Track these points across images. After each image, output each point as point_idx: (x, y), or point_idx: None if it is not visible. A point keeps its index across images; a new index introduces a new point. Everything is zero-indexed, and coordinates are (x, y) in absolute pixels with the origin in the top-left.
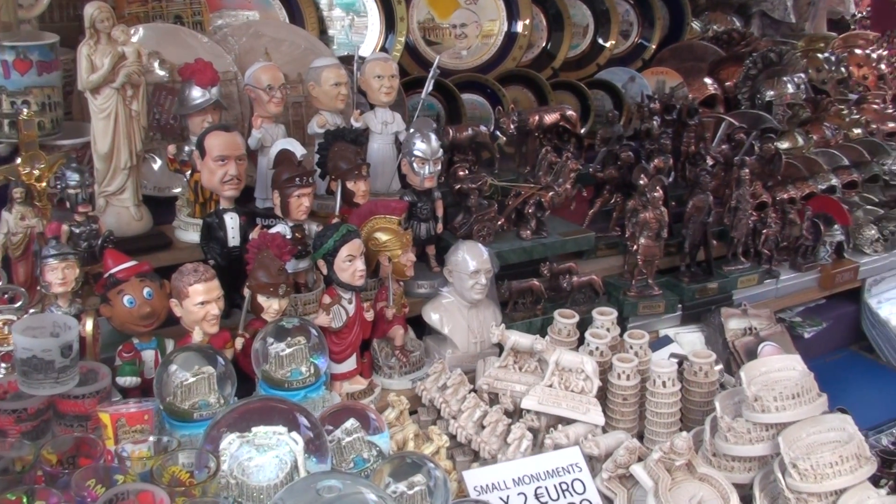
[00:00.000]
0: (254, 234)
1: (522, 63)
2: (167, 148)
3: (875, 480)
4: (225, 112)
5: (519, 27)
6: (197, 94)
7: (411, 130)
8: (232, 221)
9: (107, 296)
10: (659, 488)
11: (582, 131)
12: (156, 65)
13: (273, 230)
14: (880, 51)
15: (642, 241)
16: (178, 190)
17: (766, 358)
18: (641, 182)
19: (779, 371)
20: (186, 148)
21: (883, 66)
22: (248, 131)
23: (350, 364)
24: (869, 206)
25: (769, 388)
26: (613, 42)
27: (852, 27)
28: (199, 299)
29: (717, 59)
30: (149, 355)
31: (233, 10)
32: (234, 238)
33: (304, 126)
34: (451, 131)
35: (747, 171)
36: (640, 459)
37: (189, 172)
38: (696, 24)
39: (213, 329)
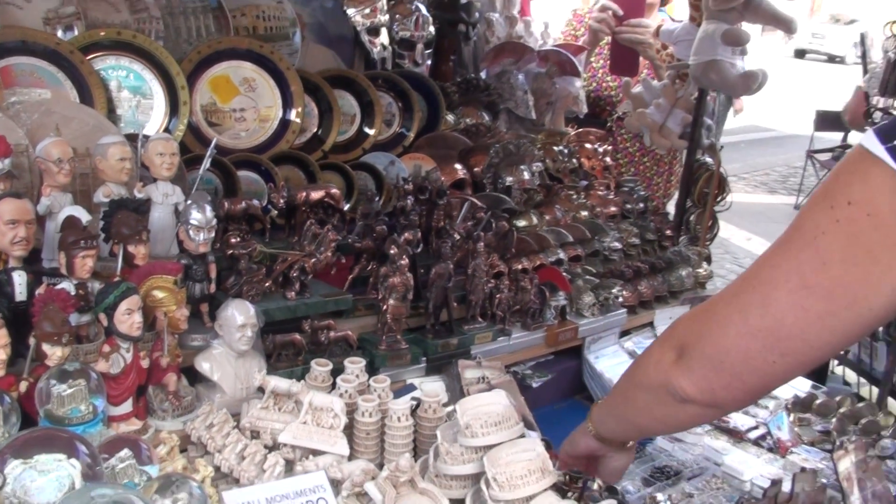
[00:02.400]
0: (41, 290)
1: (296, 146)
2: None
3: (563, 493)
4: (16, 180)
5: (292, 115)
6: None
7: (188, 202)
8: (20, 278)
9: None
10: (385, 500)
11: (346, 207)
12: None
13: (58, 287)
14: (606, 146)
15: (391, 302)
16: None
17: (477, 395)
18: (392, 251)
19: (487, 405)
20: None
21: (608, 160)
22: (38, 198)
23: (126, 407)
24: (588, 277)
25: (478, 417)
26: (377, 130)
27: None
28: None
29: (467, 148)
30: None
31: (26, 87)
32: (21, 293)
33: (91, 195)
34: (226, 204)
35: (482, 244)
36: (373, 479)
37: None
38: (450, 117)
39: (0, 373)
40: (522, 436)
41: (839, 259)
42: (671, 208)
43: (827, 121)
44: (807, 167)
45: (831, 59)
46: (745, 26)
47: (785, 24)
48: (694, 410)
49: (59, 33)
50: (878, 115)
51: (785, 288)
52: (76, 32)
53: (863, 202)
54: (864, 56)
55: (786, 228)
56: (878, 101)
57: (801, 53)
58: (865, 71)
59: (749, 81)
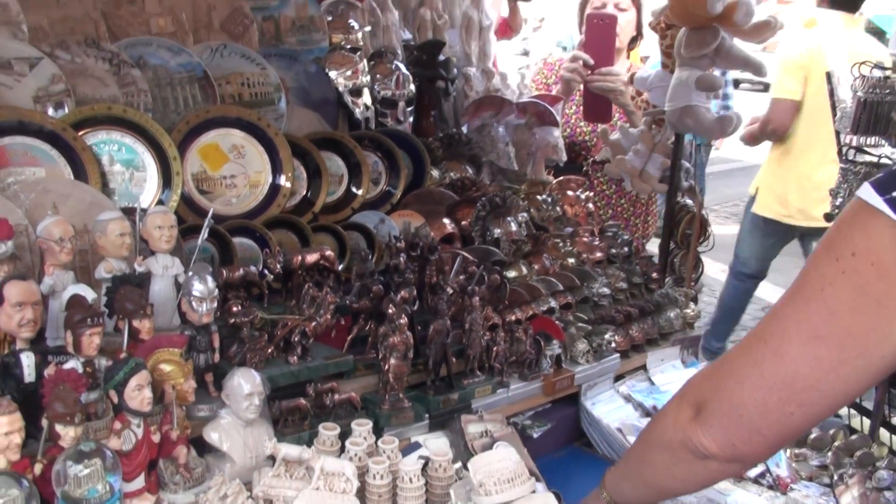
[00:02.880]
0: (49, 371)
1: (286, 209)
2: None
3: None
4: (18, 261)
5: (282, 180)
6: None
7: (190, 273)
8: (28, 360)
9: None
10: None
11: (340, 267)
12: None
13: (66, 366)
14: (587, 192)
15: (392, 361)
16: None
17: (488, 452)
18: (390, 311)
19: (498, 461)
20: None
21: (591, 206)
22: (40, 278)
23: (139, 482)
24: (580, 324)
25: (491, 475)
26: (365, 189)
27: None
28: (3, 430)
29: (454, 203)
30: None
31: (20, 167)
32: (29, 375)
33: (91, 271)
34: (224, 272)
35: (477, 298)
36: None
37: None
38: (435, 172)
39: (15, 457)
40: (534, 491)
41: (848, 309)
42: (651, 247)
43: None
44: None
45: (766, 87)
46: None
47: (755, 68)
48: (715, 466)
49: (50, 111)
50: (851, 153)
51: (797, 340)
52: (66, 109)
53: (866, 253)
54: (832, 94)
55: (792, 282)
56: (851, 139)
57: (735, 83)
58: (835, 110)
59: (724, 125)
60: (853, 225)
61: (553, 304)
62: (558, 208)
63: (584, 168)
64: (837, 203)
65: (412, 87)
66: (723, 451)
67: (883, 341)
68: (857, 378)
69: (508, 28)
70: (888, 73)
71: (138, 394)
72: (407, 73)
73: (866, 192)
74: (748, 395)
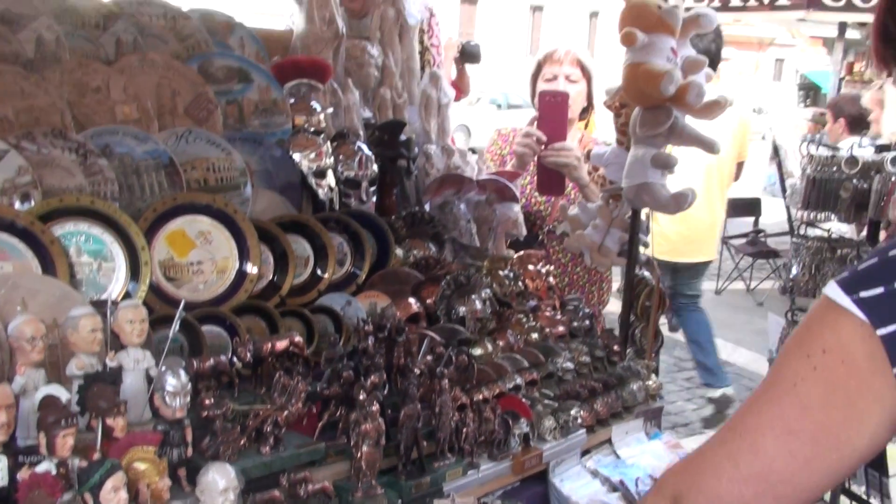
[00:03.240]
0: (23, 474)
1: (254, 293)
2: None
3: None
4: None
5: (248, 266)
6: None
7: (163, 368)
8: (0, 463)
9: None
10: None
11: (308, 351)
12: None
13: (40, 468)
14: (548, 266)
15: (365, 449)
16: None
17: None
18: (361, 398)
19: None
20: None
21: (551, 280)
22: (11, 376)
23: None
24: (547, 401)
25: None
26: (331, 272)
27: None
28: None
29: (419, 282)
30: None
31: None
32: (2, 479)
33: (61, 367)
34: (194, 363)
35: (447, 381)
36: None
37: None
38: (399, 251)
39: None
40: None
41: (820, 405)
42: (608, 310)
43: (738, 207)
44: (723, 253)
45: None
46: None
47: (707, 146)
48: None
49: (17, 203)
50: (803, 228)
51: (771, 434)
52: (33, 201)
53: (836, 350)
54: (779, 166)
55: (765, 378)
56: (802, 214)
57: None
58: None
59: (680, 201)
60: (823, 323)
61: (519, 381)
62: (520, 283)
63: (540, 237)
64: (791, 276)
65: (375, 167)
66: None
67: (854, 436)
68: (831, 471)
69: (458, 90)
70: (834, 151)
71: (114, 496)
72: (369, 153)
73: (833, 292)
74: (725, 489)
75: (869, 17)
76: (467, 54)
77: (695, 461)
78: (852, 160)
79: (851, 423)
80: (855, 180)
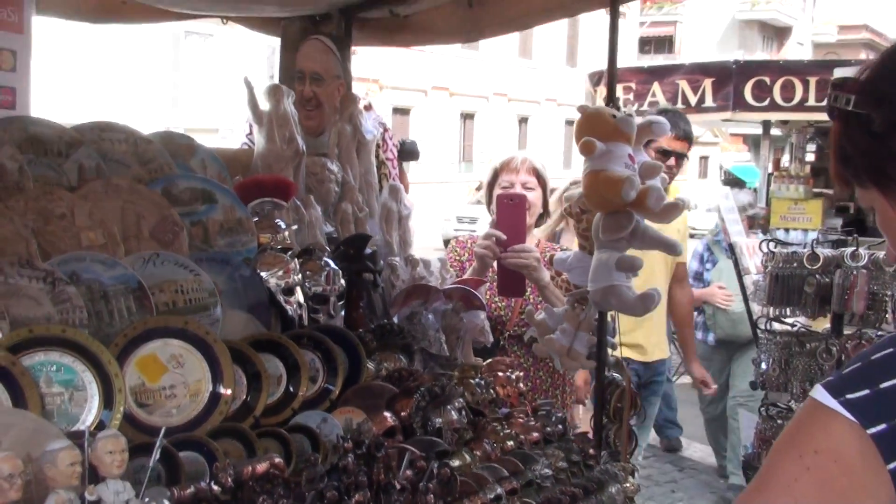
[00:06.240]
0: None
1: (228, 415)
2: None
3: None
4: None
5: (221, 388)
6: None
7: (146, 500)
8: None
9: None
10: None
11: (288, 473)
12: None
13: None
14: (518, 372)
15: None
16: None
17: None
18: None
19: None
20: None
21: (521, 386)
22: None
23: None
24: None
25: None
26: (304, 389)
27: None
28: None
29: (393, 395)
30: None
31: None
32: None
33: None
34: (175, 492)
35: (431, 496)
36: None
37: None
38: (370, 365)
39: None
40: None
41: (814, 503)
42: (574, 417)
43: None
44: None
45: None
46: None
47: (669, 248)
48: None
49: None
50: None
51: None
52: (1, 333)
53: (828, 451)
54: (736, 265)
55: (756, 476)
56: (769, 310)
57: None
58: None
59: (647, 303)
60: (813, 424)
61: (500, 490)
62: (492, 391)
63: (501, 342)
64: (761, 371)
65: (342, 281)
66: None
67: None
68: None
69: None
70: (794, 248)
71: None
72: (336, 268)
73: (821, 395)
74: None
75: (790, 116)
76: (406, 152)
77: None
78: (813, 256)
79: None
80: (817, 275)
